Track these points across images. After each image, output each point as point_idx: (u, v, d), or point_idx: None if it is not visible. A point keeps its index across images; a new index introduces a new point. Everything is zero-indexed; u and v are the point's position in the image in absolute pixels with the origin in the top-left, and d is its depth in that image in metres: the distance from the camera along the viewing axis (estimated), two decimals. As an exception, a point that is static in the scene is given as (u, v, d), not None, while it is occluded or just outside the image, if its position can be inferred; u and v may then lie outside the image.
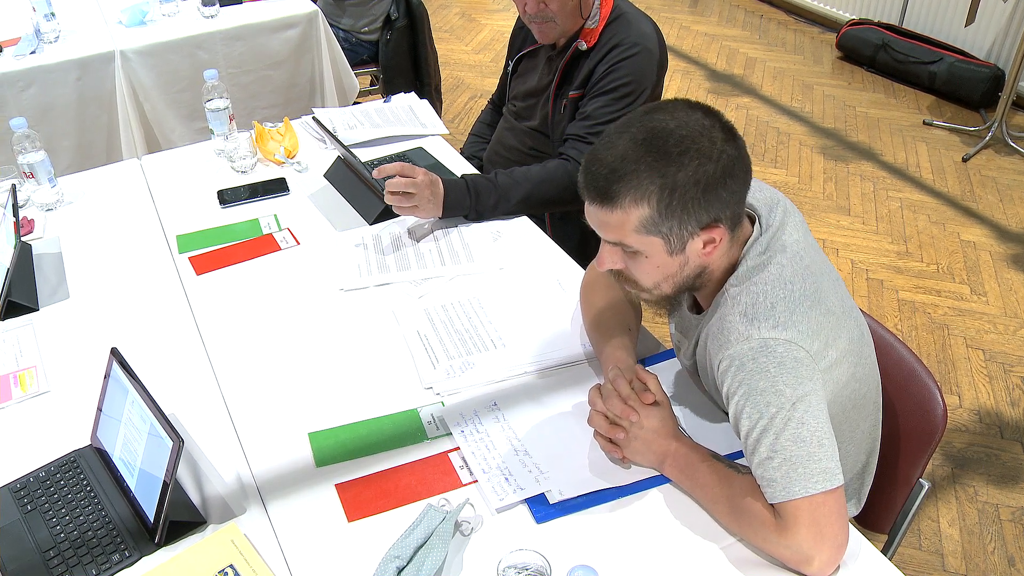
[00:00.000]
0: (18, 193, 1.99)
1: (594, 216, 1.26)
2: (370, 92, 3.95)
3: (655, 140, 1.19)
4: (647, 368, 1.47)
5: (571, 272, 1.88)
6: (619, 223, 1.23)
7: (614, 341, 1.55)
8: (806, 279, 1.28)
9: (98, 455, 1.47)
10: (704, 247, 1.25)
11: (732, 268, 1.31)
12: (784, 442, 1.19)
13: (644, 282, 1.31)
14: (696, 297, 1.43)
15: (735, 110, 4.60)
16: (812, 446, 1.19)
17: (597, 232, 1.28)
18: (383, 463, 1.42)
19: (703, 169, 1.18)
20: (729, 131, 1.22)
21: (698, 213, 1.21)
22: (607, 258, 1.30)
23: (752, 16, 5.77)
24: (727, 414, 1.47)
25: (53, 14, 3.11)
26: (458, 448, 1.44)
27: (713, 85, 4.87)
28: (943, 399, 1.48)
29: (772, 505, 1.22)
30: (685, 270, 1.29)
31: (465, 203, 1.99)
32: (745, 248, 1.31)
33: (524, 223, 2.04)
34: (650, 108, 1.24)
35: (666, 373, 1.59)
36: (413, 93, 2.66)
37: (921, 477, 1.52)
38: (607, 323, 1.61)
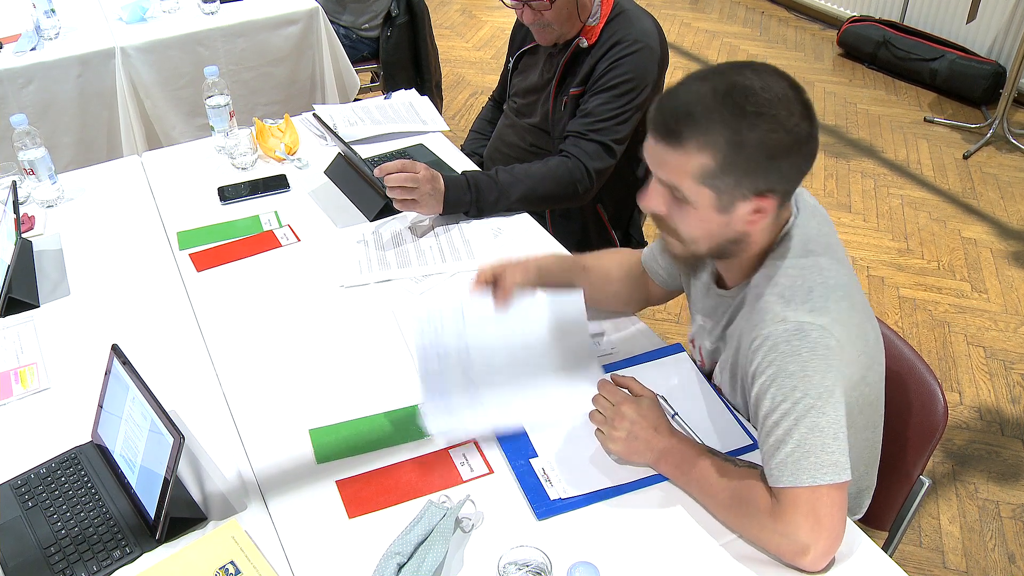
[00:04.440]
0: (19, 190, 1.99)
1: (654, 152, 1.24)
2: (371, 89, 3.94)
3: (735, 94, 1.17)
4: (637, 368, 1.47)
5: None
6: (678, 165, 1.21)
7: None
8: (840, 270, 1.28)
9: (99, 452, 1.47)
10: (751, 214, 1.24)
11: (768, 247, 1.31)
12: (802, 429, 1.19)
13: (683, 232, 1.29)
14: (720, 272, 1.42)
15: (736, 107, 4.59)
16: (828, 437, 1.19)
17: (652, 169, 1.26)
18: (384, 460, 1.42)
19: (773, 136, 1.17)
20: (808, 108, 1.21)
21: (756, 178, 1.20)
22: (654, 198, 1.29)
23: (753, 13, 5.76)
24: (732, 409, 1.48)
25: (53, 10, 3.11)
26: (459, 444, 1.44)
27: (714, 82, 4.86)
28: (944, 396, 1.48)
29: (773, 491, 1.22)
30: (725, 232, 1.27)
31: (466, 199, 1.99)
32: (784, 229, 1.31)
33: (525, 220, 2.04)
34: (739, 64, 1.22)
35: (669, 368, 1.59)
36: (414, 90, 2.66)
37: (922, 474, 1.52)
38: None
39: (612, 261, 1.72)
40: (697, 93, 1.19)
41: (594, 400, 1.41)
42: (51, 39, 3.10)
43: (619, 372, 1.58)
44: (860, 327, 1.30)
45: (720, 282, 1.45)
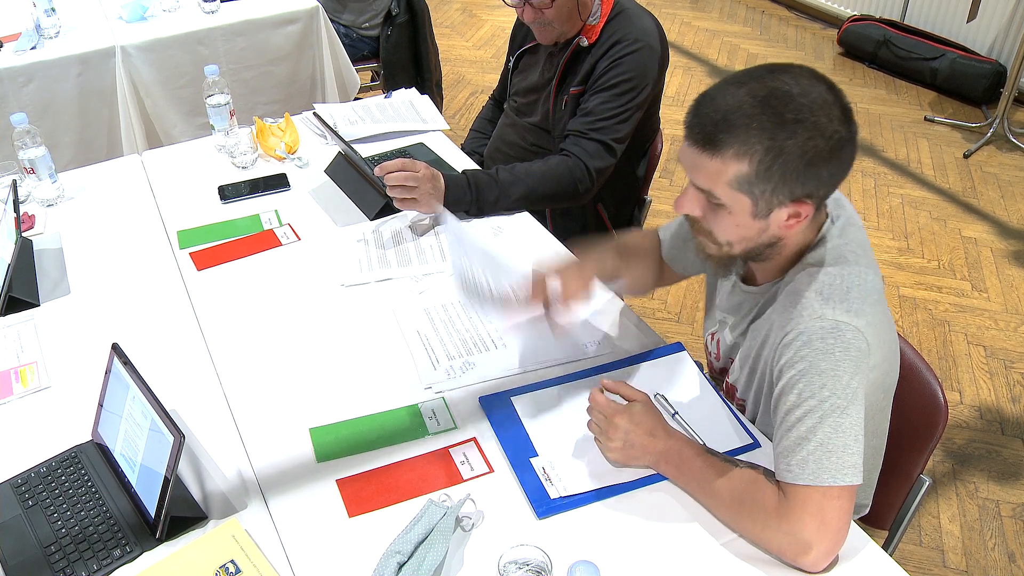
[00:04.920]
0: (19, 188, 1.99)
1: (690, 158, 1.23)
2: (371, 88, 3.94)
3: (774, 101, 1.16)
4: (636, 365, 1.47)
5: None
6: (715, 172, 1.21)
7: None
8: (875, 276, 1.29)
9: (99, 451, 1.47)
10: (788, 219, 1.24)
11: (804, 247, 1.31)
12: (826, 428, 1.19)
13: (718, 236, 1.29)
14: (752, 269, 1.42)
15: (736, 106, 4.59)
16: (849, 439, 1.19)
17: (687, 173, 1.26)
18: (384, 459, 1.43)
19: (812, 143, 1.17)
20: (846, 112, 1.20)
21: (793, 184, 1.20)
22: (688, 203, 1.28)
23: (753, 12, 5.76)
24: (733, 409, 1.48)
25: (53, 9, 3.11)
26: (459, 443, 1.44)
27: (714, 81, 4.85)
28: (944, 395, 1.48)
29: (782, 488, 1.22)
30: (762, 237, 1.27)
31: (466, 198, 1.99)
32: (822, 231, 1.31)
33: (525, 218, 2.04)
34: (775, 68, 1.21)
35: (670, 367, 1.59)
36: (414, 89, 2.65)
37: (922, 473, 1.52)
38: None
39: (641, 248, 1.70)
40: (735, 99, 1.18)
41: (588, 411, 1.41)
42: (51, 38, 3.10)
43: (618, 371, 1.58)
44: (888, 333, 1.31)
45: (747, 279, 1.45)
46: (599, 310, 1.72)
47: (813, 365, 1.21)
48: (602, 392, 1.40)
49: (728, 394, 1.55)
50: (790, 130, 1.16)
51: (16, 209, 1.89)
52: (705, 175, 1.22)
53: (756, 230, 1.26)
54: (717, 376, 1.59)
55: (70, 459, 1.45)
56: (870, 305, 1.25)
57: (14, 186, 1.95)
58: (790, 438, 1.21)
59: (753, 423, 1.49)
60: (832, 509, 1.18)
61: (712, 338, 1.58)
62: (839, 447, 1.18)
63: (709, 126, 1.19)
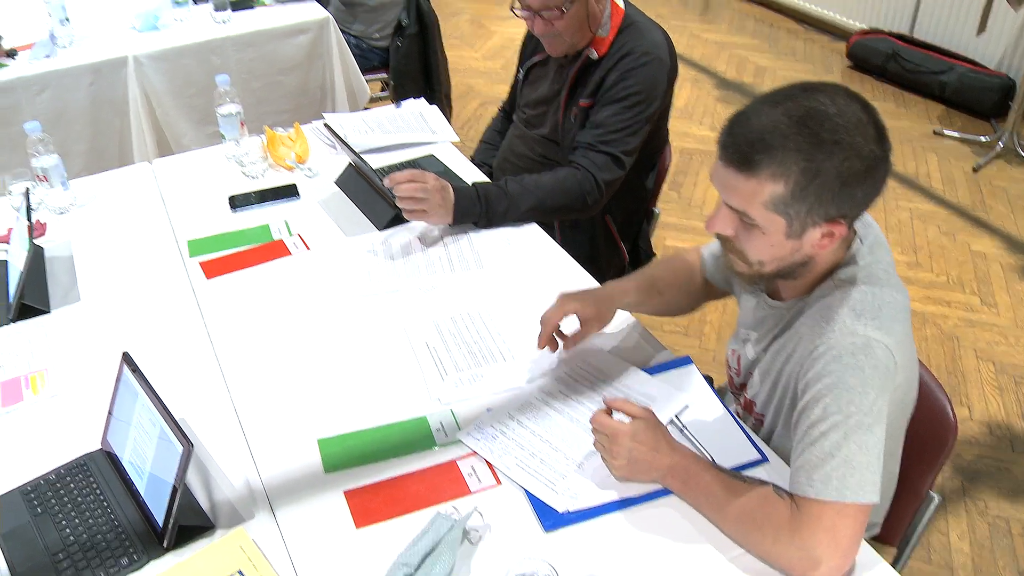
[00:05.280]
0: (31, 196, 2.00)
1: (724, 178, 1.23)
2: (380, 98, 3.96)
3: (811, 121, 1.17)
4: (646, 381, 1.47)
5: (579, 281, 1.87)
6: (750, 192, 1.21)
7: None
8: (903, 296, 1.29)
9: (108, 459, 1.47)
10: (821, 239, 1.24)
11: (833, 265, 1.31)
12: (852, 445, 1.19)
13: (751, 255, 1.29)
14: (778, 284, 1.42)
15: (745, 119, 4.59)
16: (872, 457, 1.19)
17: (720, 193, 1.26)
18: (392, 470, 1.43)
19: (848, 164, 1.16)
20: (880, 131, 1.20)
21: (829, 205, 1.19)
22: (721, 222, 1.28)
23: (762, 25, 5.76)
24: (742, 424, 1.48)
25: (68, 19, 3.13)
26: (467, 455, 1.44)
27: (723, 93, 4.87)
28: (953, 411, 1.48)
29: (796, 502, 1.22)
30: (794, 256, 1.27)
31: (475, 210, 1.99)
32: (852, 249, 1.31)
33: (533, 230, 2.04)
34: (810, 87, 1.21)
35: (679, 381, 1.59)
36: (423, 99, 2.66)
37: (931, 490, 1.51)
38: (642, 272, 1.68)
39: (682, 276, 1.71)
40: (771, 119, 1.18)
41: (592, 430, 1.40)
42: (65, 47, 3.12)
43: (625, 385, 1.58)
44: (912, 355, 1.32)
45: (772, 294, 1.45)
46: (611, 326, 1.72)
47: (841, 380, 1.21)
48: (605, 411, 1.39)
49: (746, 408, 1.54)
50: (827, 151, 1.16)
51: (29, 217, 1.90)
52: (740, 196, 1.22)
53: (789, 250, 1.26)
54: (736, 391, 1.58)
55: (79, 467, 1.46)
56: (899, 324, 1.25)
57: (27, 194, 1.96)
58: (813, 452, 1.21)
59: (769, 438, 1.48)
60: (846, 526, 1.18)
61: (733, 354, 1.58)
62: (862, 465, 1.18)
63: (744, 146, 1.19)
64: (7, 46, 3.07)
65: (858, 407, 1.19)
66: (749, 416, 1.53)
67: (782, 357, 1.39)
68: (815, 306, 1.32)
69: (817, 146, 1.16)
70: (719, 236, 1.32)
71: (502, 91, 4.65)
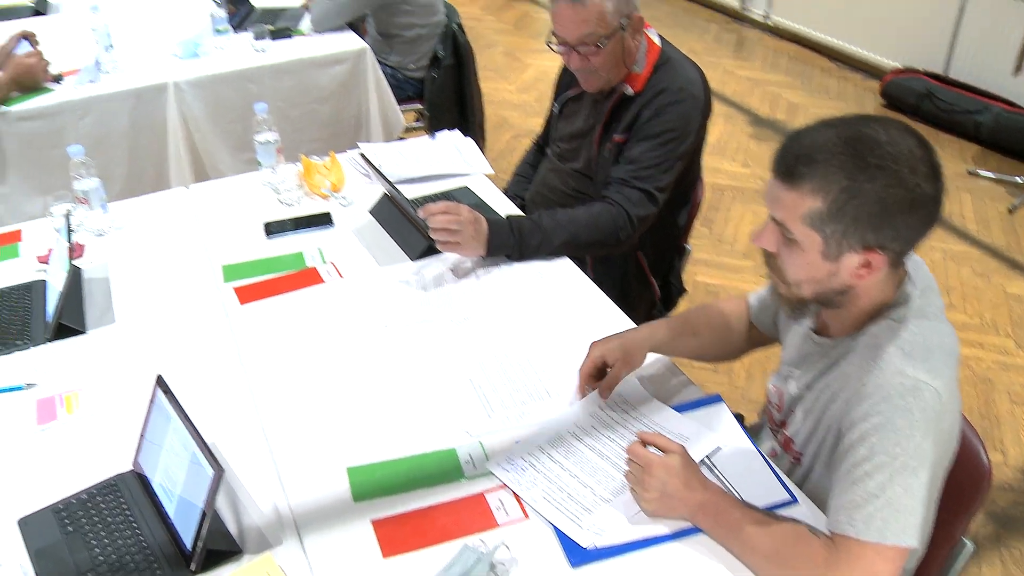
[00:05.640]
0: (71, 218, 2.03)
1: (771, 190, 1.26)
2: (414, 128, 3.99)
3: (859, 144, 1.19)
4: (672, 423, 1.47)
5: (610, 315, 1.87)
6: (791, 205, 1.23)
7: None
8: (954, 341, 1.29)
9: (139, 480, 1.48)
10: (858, 267, 1.25)
11: (881, 305, 1.31)
12: (896, 487, 1.18)
13: (789, 274, 1.30)
14: (825, 320, 1.42)
15: (777, 155, 4.58)
16: (916, 500, 1.19)
17: (768, 206, 1.28)
18: (420, 500, 1.43)
19: (891, 191, 1.17)
20: (934, 170, 1.21)
21: (865, 230, 1.20)
22: (766, 235, 1.30)
23: (795, 62, 5.77)
24: (772, 464, 1.47)
25: (112, 46, 3.20)
26: (495, 488, 1.44)
27: (756, 130, 4.87)
28: (987, 456, 1.45)
29: (835, 541, 1.21)
30: (831, 281, 1.28)
31: (509, 243, 2.00)
32: (903, 289, 1.31)
33: (566, 264, 2.04)
34: (869, 117, 1.24)
35: (708, 419, 1.58)
36: (458, 131, 2.68)
37: (964, 536, 1.49)
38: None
39: (719, 320, 1.72)
40: (822, 137, 1.21)
41: (626, 461, 1.40)
42: (108, 73, 3.18)
43: (656, 422, 1.57)
44: (958, 400, 1.31)
45: (821, 331, 1.44)
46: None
47: (889, 421, 1.20)
48: (640, 444, 1.39)
49: (784, 446, 1.53)
50: (870, 174, 1.17)
51: (69, 239, 1.93)
52: (782, 207, 1.24)
53: (825, 272, 1.26)
54: (775, 427, 1.57)
55: (110, 487, 1.47)
56: (949, 368, 1.25)
57: (68, 216, 1.99)
58: (856, 491, 1.20)
59: (805, 478, 1.47)
60: (884, 569, 1.17)
61: (776, 391, 1.56)
62: (907, 508, 1.18)
63: (791, 159, 1.22)
64: (54, 71, 3.14)
65: (904, 449, 1.18)
66: (786, 454, 1.52)
67: (827, 395, 1.38)
68: (864, 345, 1.31)
69: (861, 168, 1.17)
70: (764, 254, 1.34)
71: (535, 123, 4.70)
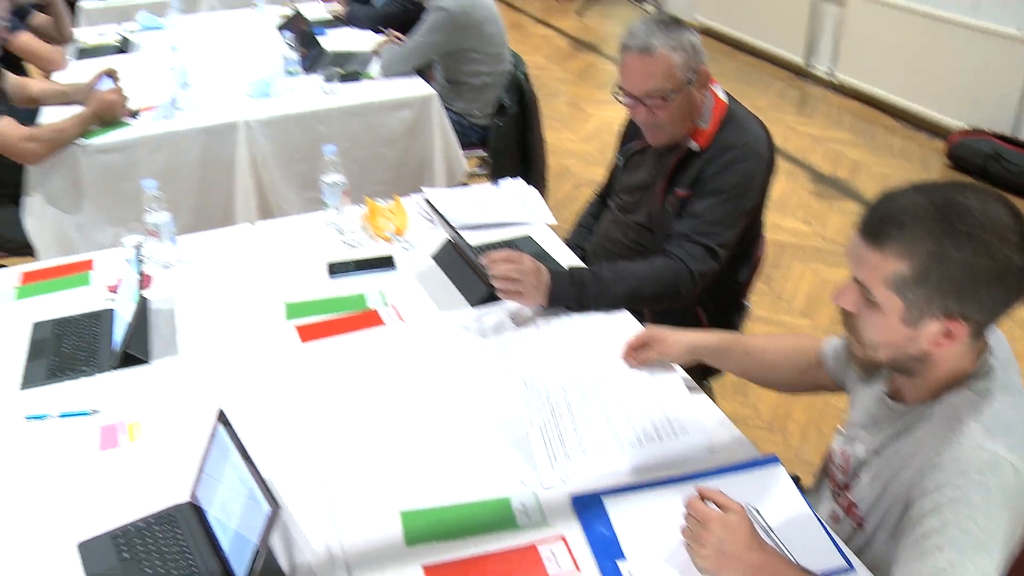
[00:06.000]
0: (142, 250, 2.09)
1: (855, 250, 1.26)
2: (476, 174, 4.04)
3: (949, 210, 1.18)
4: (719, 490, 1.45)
5: (667, 368, 1.85)
6: (874, 266, 1.22)
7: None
8: None
9: (195, 511, 1.50)
10: (938, 335, 1.23)
11: (959, 375, 1.29)
12: (968, 565, 1.15)
13: (866, 336, 1.29)
14: (899, 384, 1.40)
15: (839, 215, 4.55)
16: None
17: (850, 266, 1.27)
18: (472, 548, 1.42)
19: (979, 261, 1.16)
20: None
21: (949, 298, 1.19)
22: (847, 295, 1.29)
23: (858, 120, 5.74)
24: (829, 530, 1.44)
25: (188, 84, 3.30)
26: (547, 540, 1.43)
27: (817, 188, 4.84)
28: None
29: None
30: (909, 347, 1.26)
31: (569, 294, 2.00)
32: (984, 360, 1.29)
33: (625, 317, 2.03)
34: (962, 183, 1.23)
35: (764, 481, 1.56)
36: (521, 179, 2.70)
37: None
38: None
39: (780, 352, 1.73)
40: (913, 200, 1.20)
41: (683, 516, 1.39)
42: (183, 110, 3.28)
43: (709, 482, 1.55)
44: None
45: (894, 395, 1.42)
46: (694, 417, 1.70)
47: (965, 495, 1.17)
48: (699, 499, 1.38)
49: (846, 510, 1.50)
50: (958, 242, 1.16)
51: (139, 270, 1.98)
52: (865, 269, 1.24)
53: (904, 337, 1.25)
54: (838, 489, 1.54)
55: (167, 517, 1.49)
56: None
57: (139, 249, 2.05)
58: (925, 565, 1.17)
59: (866, 546, 1.43)
60: None
61: (841, 453, 1.54)
62: None
63: (879, 220, 1.21)
64: (132, 107, 3.25)
65: (979, 525, 1.15)
66: (849, 518, 1.48)
67: (897, 462, 1.35)
68: (941, 414, 1.28)
69: (949, 234, 1.16)
70: (842, 315, 1.32)
71: (597, 173, 4.72)
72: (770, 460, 1.61)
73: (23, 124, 3.06)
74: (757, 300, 3.75)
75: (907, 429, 1.35)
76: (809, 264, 4.11)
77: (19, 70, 4.19)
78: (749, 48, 6.99)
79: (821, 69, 6.31)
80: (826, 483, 1.60)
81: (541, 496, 1.53)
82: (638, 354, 1.80)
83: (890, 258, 1.20)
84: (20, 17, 4.16)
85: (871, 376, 1.45)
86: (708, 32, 7.25)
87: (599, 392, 1.76)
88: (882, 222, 1.21)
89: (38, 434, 1.71)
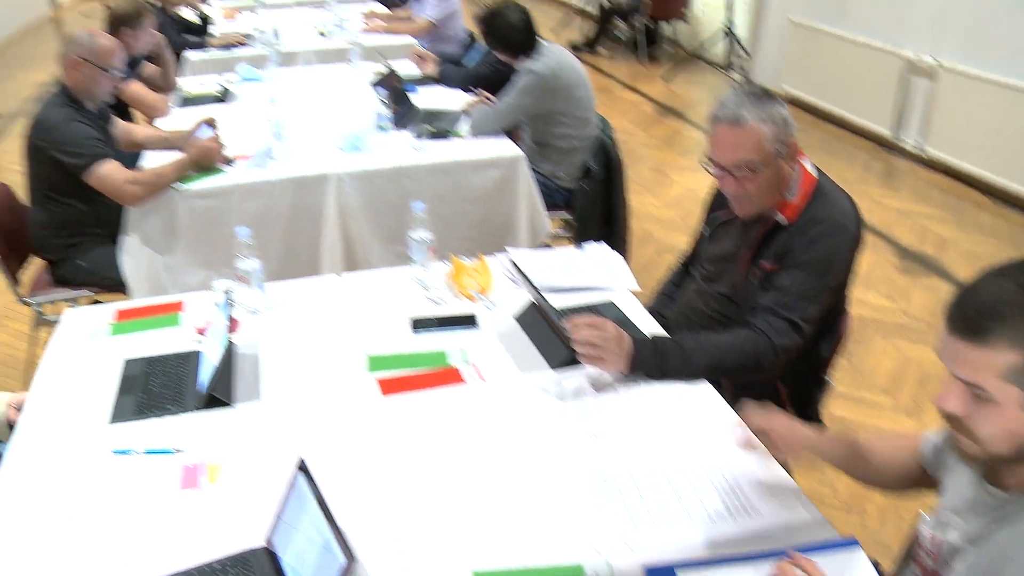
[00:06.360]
0: (231, 295, 2.15)
1: (951, 350, 1.23)
2: (558, 236, 4.05)
3: None
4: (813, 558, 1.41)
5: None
6: (982, 363, 1.20)
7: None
8: None
9: (269, 557, 1.52)
10: None
11: None
12: None
13: (982, 432, 1.25)
14: (999, 469, 1.35)
15: (924, 291, 4.44)
16: None
17: (949, 367, 1.25)
18: (542, 615, 1.41)
19: None
20: None
21: None
22: (952, 399, 1.26)
23: (947, 195, 5.62)
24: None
25: (283, 135, 3.41)
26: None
27: (902, 263, 4.74)
28: None
29: None
30: None
31: (651, 362, 1.99)
32: None
33: (705, 389, 2.01)
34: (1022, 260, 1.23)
35: (843, 565, 1.51)
36: (604, 243, 2.71)
37: None
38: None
39: (889, 454, 1.69)
40: (1000, 288, 1.19)
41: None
42: (276, 160, 3.39)
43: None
44: None
45: (992, 479, 1.37)
46: (772, 494, 1.67)
47: None
48: (791, 563, 1.34)
49: None
50: None
51: (228, 315, 2.04)
52: (971, 367, 1.20)
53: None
54: (928, 575, 1.49)
55: (241, 560, 1.51)
56: None
57: (230, 294, 2.11)
58: None
59: None
60: None
61: (933, 538, 1.48)
62: None
63: (974, 316, 1.19)
64: (229, 155, 3.37)
65: None
66: None
67: (996, 553, 1.29)
68: None
69: None
70: (947, 417, 1.29)
71: (679, 239, 4.71)
72: (850, 543, 1.57)
73: (127, 167, 3.20)
74: (838, 376, 3.67)
75: (1007, 518, 1.30)
76: (891, 340, 4.02)
77: (126, 116, 4.39)
78: (834, 119, 6.93)
79: (909, 142, 6.22)
80: (911, 569, 1.54)
81: (615, 564, 1.51)
82: (752, 440, 1.71)
83: (1000, 351, 1.17)
84: (131, 67, 4.37)
85: (979, 470, 1.39)
86: (793, 101, 7.22)
87: (673, 465, 1.74)
88: (979, 316, 1.18)
89: (123, 469, 1.76)
